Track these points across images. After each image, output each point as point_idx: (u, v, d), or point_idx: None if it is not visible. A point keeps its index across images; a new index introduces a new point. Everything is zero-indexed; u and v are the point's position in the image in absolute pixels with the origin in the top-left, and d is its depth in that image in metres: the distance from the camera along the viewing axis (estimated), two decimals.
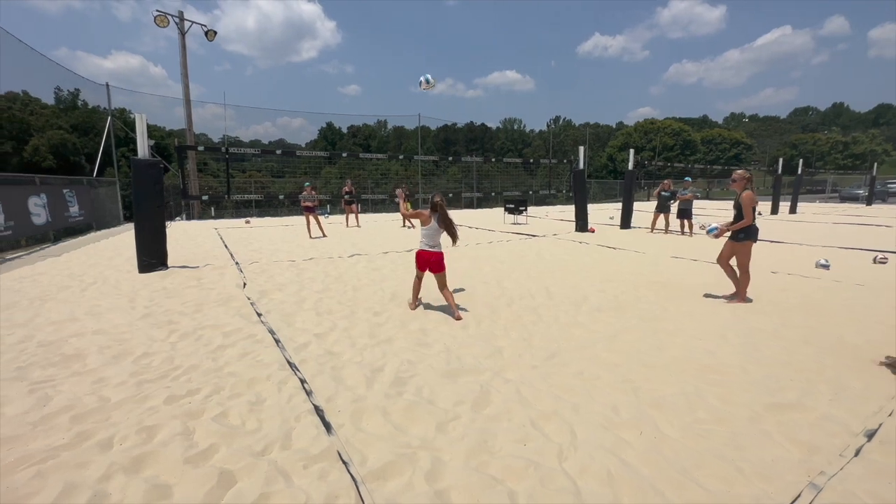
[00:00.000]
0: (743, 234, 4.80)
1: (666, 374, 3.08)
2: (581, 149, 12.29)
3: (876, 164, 28.12)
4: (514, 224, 14.65)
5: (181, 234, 12.20)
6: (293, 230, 12.90)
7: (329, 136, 62.69)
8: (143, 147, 6.71)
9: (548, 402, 2.70)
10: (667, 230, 11.81)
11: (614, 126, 72.27)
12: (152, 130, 30.10)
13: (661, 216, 11.71)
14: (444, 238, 4.56)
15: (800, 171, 21.13)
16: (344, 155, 15.41)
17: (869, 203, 26.19)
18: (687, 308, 4.72)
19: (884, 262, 7.24)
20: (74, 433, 2.36)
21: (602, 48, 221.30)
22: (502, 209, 16.64)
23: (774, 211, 19.12)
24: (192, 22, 17.89)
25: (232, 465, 2.10)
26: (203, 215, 19.98)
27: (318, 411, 2.60)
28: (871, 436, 2.34)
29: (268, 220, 18.36)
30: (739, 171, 4.95)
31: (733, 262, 4.99)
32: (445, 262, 4.53)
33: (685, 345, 3.64)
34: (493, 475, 2.04)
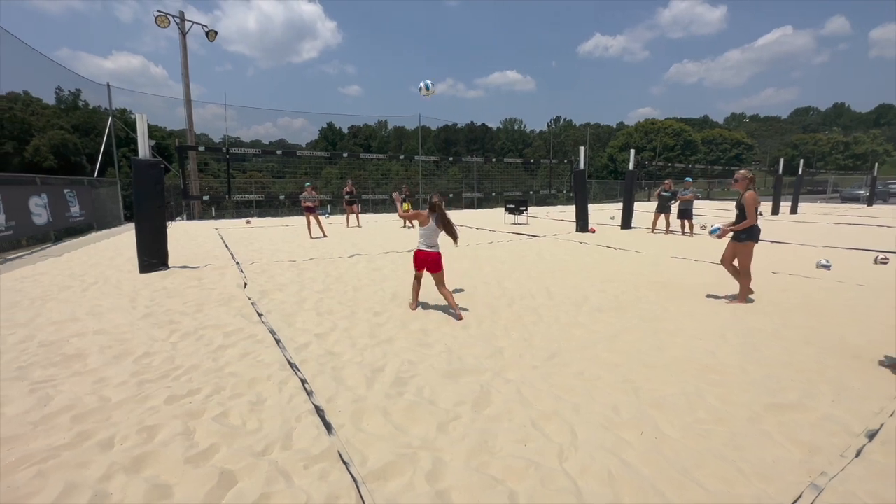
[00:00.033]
0: (745, 234, 4.78)
1: (666, 375, 3.08)
2: (581, 149, 12.30)
3: (877, 165, 28.11)
4: (515, 224, 14.65)
5: (182, 234, 12.21)
6: (294, 230, 12.91)
7: (330, 137, 62.68)
8: (143, 147, 6.72)
9: (548, 403, 2.70)
10: (667, 230, 11.81)
11: (615, 126, 72.16)
12: (153, 130, 30.20)
13: (662, 216, 11.69)
14: (444, 238, 4.56)
15: (800, 172, 21.12)
16: (345, 155, 15.39)
17: (870, 203, 26.14)
18: (687, 308, 4.72)
19: (885, 263, 7.23)
20: (75, 433, 2.36)
21: (603, 48, 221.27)
22: (503, 209, 16.64)
23: (775, 211, 19.10)
24: (193, 22, 17.94)
25: (232, 465, 2.10)
26: (204, 215, 20.01)
27: (319, 411, 2.60)
28: (872, 436, 2.34)
29: (268, 220, 18.38)
30: (742, 172, 4.90)
31: (737, 262, 4.98)
32: (445, 262, 4.53)
33: (686, 345, 3.64)
34: (494, 475, 2.04)
